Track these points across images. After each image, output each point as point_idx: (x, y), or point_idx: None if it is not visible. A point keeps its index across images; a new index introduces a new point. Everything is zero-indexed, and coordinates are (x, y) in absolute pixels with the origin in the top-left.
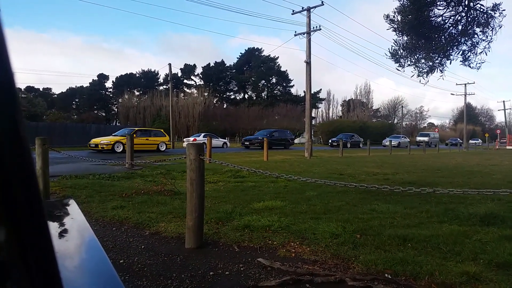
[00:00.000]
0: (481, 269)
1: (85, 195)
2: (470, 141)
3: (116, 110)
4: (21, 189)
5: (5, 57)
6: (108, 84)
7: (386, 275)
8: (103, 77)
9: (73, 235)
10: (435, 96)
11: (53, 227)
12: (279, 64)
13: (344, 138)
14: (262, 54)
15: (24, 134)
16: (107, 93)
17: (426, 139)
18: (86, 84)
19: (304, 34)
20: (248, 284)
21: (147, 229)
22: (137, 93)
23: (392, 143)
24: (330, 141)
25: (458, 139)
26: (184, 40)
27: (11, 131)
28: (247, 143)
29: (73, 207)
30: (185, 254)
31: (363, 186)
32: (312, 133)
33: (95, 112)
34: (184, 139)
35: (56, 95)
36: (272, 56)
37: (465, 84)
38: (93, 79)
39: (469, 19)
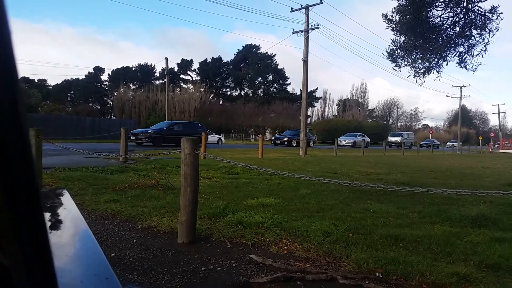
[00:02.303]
0: (472, 270)
1: (78, 187)
2: (448, 143)
3: (111, 103)
4: (21, 180)
5: (9, 48)
6: (104, 77)
7: (377, 274)
8: (99, 70)
9: (66, 225)
10: (430, 98)
11: (46, 217)
12: (276, 62)
13: (290, 135)
14: (260, 51)
15: (25, 126)
16: (102, 86)
17: (398, 139)
18: (81, 76)
19: (302, 32)
20: (239, 280)
21: (139, 223)
22: (133, 87)
23: (346, 142)
24: (273, 138)
25: (435, 141)
26: (181, 35)
27: (12, 123)
28: (133, 137)
29: (66, 198)
30: (177, 249)
31: (357, 184)
32: (308, 132)
33: (90, 105)
34: None
35: (51, 87)
36: (269, 53)
37: (461, 87)
38: (89, 72)
39: (467, 21)
